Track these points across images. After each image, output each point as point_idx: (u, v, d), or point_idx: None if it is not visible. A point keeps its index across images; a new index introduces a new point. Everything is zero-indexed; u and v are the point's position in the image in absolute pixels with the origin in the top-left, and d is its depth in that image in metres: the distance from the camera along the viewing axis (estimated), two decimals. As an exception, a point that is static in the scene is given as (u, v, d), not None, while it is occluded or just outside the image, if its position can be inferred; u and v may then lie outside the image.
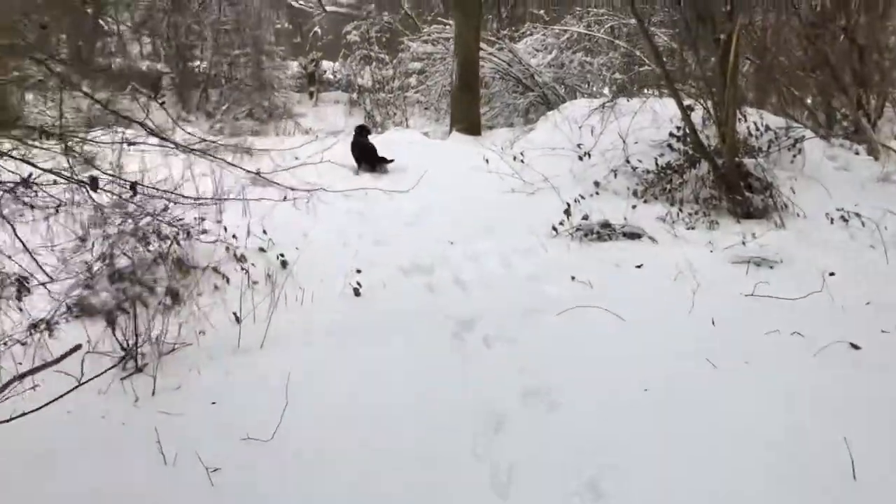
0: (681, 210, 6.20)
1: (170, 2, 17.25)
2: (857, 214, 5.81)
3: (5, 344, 3.53)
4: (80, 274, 3.98)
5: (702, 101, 7.02)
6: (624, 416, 2.93)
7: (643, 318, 3.93)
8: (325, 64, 21.13)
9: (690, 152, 6.85)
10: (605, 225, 5.67)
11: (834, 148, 7.81)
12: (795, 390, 3.11)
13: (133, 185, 3.22)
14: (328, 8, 19.55)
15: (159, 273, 4.52)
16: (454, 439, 2.78)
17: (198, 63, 18.58)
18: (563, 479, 2.56)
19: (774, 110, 9.02)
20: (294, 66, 20.89)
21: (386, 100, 16.21)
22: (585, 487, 2.51)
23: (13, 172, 3.47)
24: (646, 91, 9.79)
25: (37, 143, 3.13)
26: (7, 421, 2.44)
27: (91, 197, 3.49)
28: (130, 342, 3.58)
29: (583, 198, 6.33)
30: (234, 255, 4.59)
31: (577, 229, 5.68)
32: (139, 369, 3.47)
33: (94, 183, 3.00)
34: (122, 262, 4.66)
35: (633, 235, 5.63)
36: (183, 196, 3.98)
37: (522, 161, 7.44)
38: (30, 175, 3.05)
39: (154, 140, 3.93)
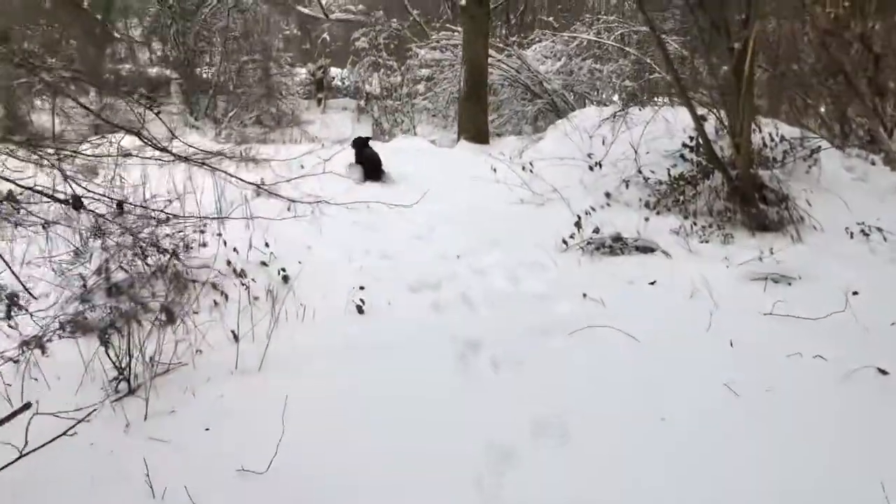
0: (695, 223, 6.02)
1: (178, 8, 17.23)
2: (879, 229, 5.63)
3: (-5, 362, 3.40)
4: (66, 290, 3.85)
5: (715, 111, 6.85)
6: (640, 451, 2.77)
7: (658, 338, 3.76)
8: (334, 70, 21.11)
9: (704, 163, 6.69)
10: (617, 238, 5.50)
11: (851, 158, 7.62)
12: (821, 423, 2.94)
13: (120, 204, 3.08)
14: (337, 15, 19.51)
15: (157, 287, 4.41)
16: (458, 476, 2.62)
17: (206, 69, 18.57)
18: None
19: (788, 120, 8.84)
20: (302, 73, 20.88)
21: (394, 107, 16.12)
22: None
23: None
24: (657, 99, 9.65)
25: (20, 156, 3.00)
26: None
27: (83, 213, 3.35)
28: (124, 362, 3.45)
29: (594, 209, 6.18)
30: (234, 270, 4.45)
31: (588, 243, 5.51)
32: (132, 391, 3.34)
33: (76, 202, 2.86)
34: (119, 276, 4.56)
35: (647, 249, 5.46)
36: (172, 215, 3.83)
37: (531, 171, 7.29)
38: (9, 193, 2.92)
39: (152, 151, 3.82)
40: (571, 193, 6.69)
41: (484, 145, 10.70)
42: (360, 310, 4.18)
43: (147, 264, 4.46)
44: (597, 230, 5.65)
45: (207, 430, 2.98)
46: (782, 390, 3.20)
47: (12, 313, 3.59)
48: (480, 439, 2.84)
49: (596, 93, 14.51)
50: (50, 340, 3.70)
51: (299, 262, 4.83)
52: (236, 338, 3.71)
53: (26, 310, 3.04)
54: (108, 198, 3.04)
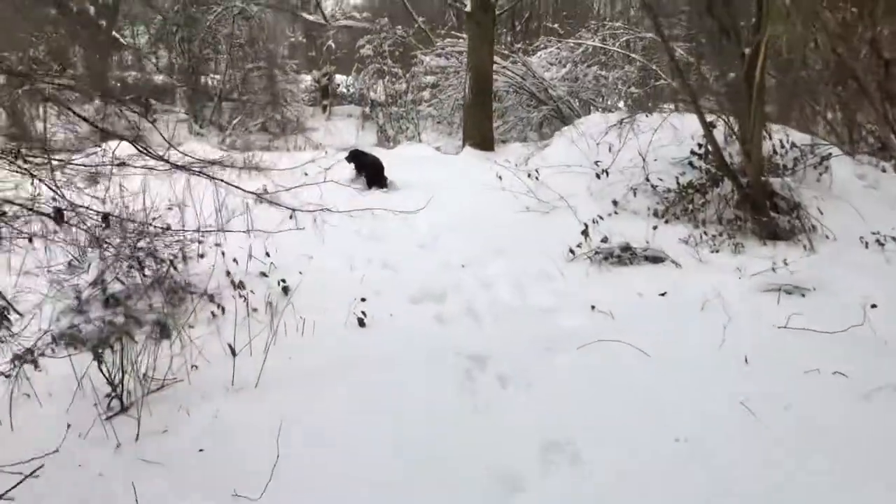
0: (705, 232, 5.89)
1: (183, 16, 17.23)
2: (894, 238, 5.48)
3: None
4: (60, 302, 3.73)
5: (724, 118, 6.73)
6: (655, 475, 2.63)
7: (670, 354, 3.63)
8: (339, 77, 21.07)
9: (713, 171, 6.56)
10: (626, 248, 5.37)
11: (862, 166, 7.48)
12: (843, 444, 2.80)
13: (105, 217, 2.97)
14: (342, 22, 19.47)
15: (155, 299, 4.29)
16: (463, 502, 2.48)
17: (211, 77, 18.56)
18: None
19: (798, 126, 8.71)
20: (308, 80, 20.85)
21: (398, 114, 16.05)
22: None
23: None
24: (663, 106, 9.53)
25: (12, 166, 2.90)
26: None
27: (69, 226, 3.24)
28: (117, 378, 3.33)
29: (601, 218, 6.05)
30: (233, 281, 4.33)
31: (596, 252, 5.38)
32: (124, 409, 3.22)
33: (59, 215, 2.75)
34: (117, 287, 4.44)
35: (656, 259, 5.32)
36: (163, 228, 3.72)
37: (537, 178, 7.17)
38: (-7, 205, 2.81)
39: (151, 160, 3.71)
40: (578, 201, 6.57)
41: (489, 152, 10.60)
42: (361, 323, 4.05)
43: (144, 275, 4.35)
44: (605, 239, 5.52)
45: (201, 451, 2.86)
46: (801, 408, 3.06)
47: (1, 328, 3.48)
48: (487, 462, 2.71)
49: (601, 99, 14.41)
50: (42, 355, 3.60)
51: (300, 273, 4.71)
52: (233, 352, 3.59)
53: (9, 329, 2.92)
54: (94, 210, 2.93)
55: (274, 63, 18.06)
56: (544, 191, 6.85)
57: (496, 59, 12.14)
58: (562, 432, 2.90)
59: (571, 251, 5.45)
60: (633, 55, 14.54)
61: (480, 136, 11.11)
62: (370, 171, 8.33)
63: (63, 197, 2.84)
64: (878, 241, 5.59)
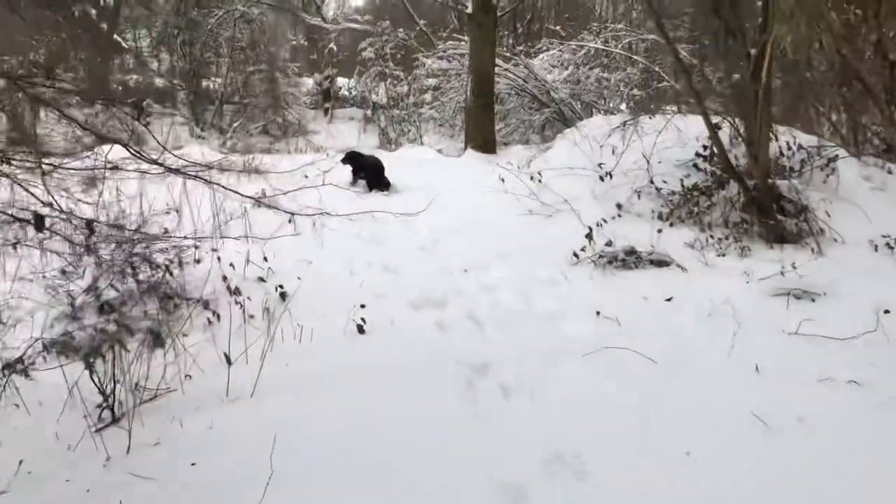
0: (711, 235, 5.78)
1: (185, 19, 17.18)
2: (905, 241, 5.38)
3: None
4: (53, 309, 3.64)
5: (730, 119, 6.63)
6: (663, 489, 2.52)
7: (678, 361, 3.53)
8: (341, 80, 21.01)
9: (718, 173, 6.46)
10: (631, 252, 5.26)
11: (868, 167, 7.37)
12: (859, 456, 2.70)
13: (89, 224, 2.87)
14: (344, 24, 19.40)
15: (150, 305, 4.20)
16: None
17: (213, 79, 18.49)
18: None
19: (802, 128, 8.61)
20: (309, 83, 20.79)
21: (400, 116, 15.98)
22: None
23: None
24: (666, 108, 9.43)
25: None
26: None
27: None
28: (109, 388, 3.24)
29: (605, 221, 5.95)
30: (229, 287, 4.23)
31: (600, 256, 5.28)
32: (116, 420, 3.12)
33: (39, 222, 2.65)
34: (111, 293, 4.35)
35: (661, 263, 5.22)
36: (153, 236, 3.62)
37: (540, 181, 7.07)
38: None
39: (146, 163, 3.62)
40: (581, 204, 6.47)
41: (491, 155, 10.53)
42: (360, 329, 3.95)
43: (139, 281, 4.26)
44: (609, 243, 5.42)
45: (194, 465, 2.75)
46: (815, 420, 2.96)
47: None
48: (489, 475, 2.60)
49: (603, 101, 14.33)
50: (33, 363, 3.51)
51: (298, 278, 4.62)
52: (228, 361, 3.49)
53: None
54: (77, 216, 2.83)
55: (275, 66, 17.99)
56: (547, 193, 6.76)
57: (498, 61, 12.07)
58: (566, 443, 2.79)
59: (575, 255, 5.35)
60: (635, 57, 14.46)
61: (482, 138, 11.03)
62: (370, 173, 8.25)
63: (44, 203, 2.74)
64: (887, 244, 5.49)
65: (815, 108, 9.36)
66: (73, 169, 3.02)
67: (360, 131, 17.08)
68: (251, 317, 4.09)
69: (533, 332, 4.00)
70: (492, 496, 2.48)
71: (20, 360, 3.48)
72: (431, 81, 15.24)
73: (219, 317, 3.93)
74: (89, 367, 3.26)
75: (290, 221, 4.90)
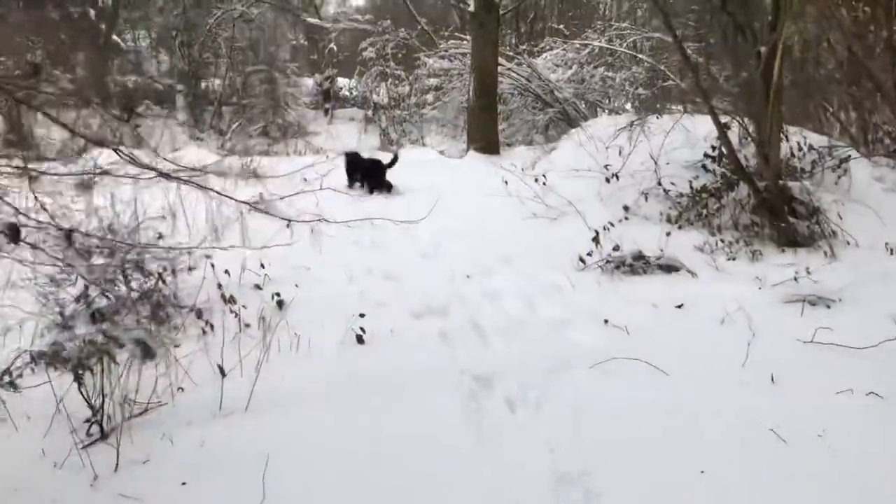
0: (721, 239, 5.63)
1: (183, 19, 17.08)
2: (921, 245, 5.23)
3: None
4: (44, 317, 3.52)
5: (739, 119, 6.48)
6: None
7: (690, 372, 3.38)
8: (341, 81, 20.87)
9: (728, 174, 6.31)
10: (639, 256, 5.12)
11: (879, 168, 7.21)
12: (885, 475, 2.55)
13: (68, 234, 2.73)
14: (344, 24, 19.26)
15: (143, 313, 4.07)
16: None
17: (212, 80, 18.38)
18: None
19: (814, 128, 8.46)
20: (310, 83, 20.66)
21: (402, 117, 15.85)
22: None
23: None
24: (672, 107, 9.30)
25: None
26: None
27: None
28: (98, 401, 3.11)
29: (612, 224, 5.79)
30: (223, 295, 4.09)
31: (608, 261, 5.14)
32: (104, 436, 2.99)
33: (13, 233, 2.51)
34: (103, 301, 4.23)
35: (670, 268, 5.08)
36: (131, 244, 3.48)
37: (544, 183, 6.92)
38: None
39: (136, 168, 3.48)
40: (587, 207, 6.33)
41: (494, 156, 10.39)
42: (359, 339, 3.80)
43: (131, 288, 4.13)
44: (616, 248, 5.27)
45: (184, 484, 2.62)
46: (836, 435, 2.81)
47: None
48: (493, 496, 2.47)
49: (608, 101, 14.19)
50: (20, 375, 3.38)
51: (296, 286, 4.49)
52: (222, 373, 3.36)
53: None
54: (54, 225, 2.70)
55: (275, 66, 17.87)
56: (552, 196, 6.62)
57: (501, 60, 11.93)
58: (575, 463, 2.65)
59: (581, 260, 5.21)
60: (640, 56, 14.31)
61: (485, 139, 10.90)
62: (370, 173, 8.15)
63: (20, 212, 2.61)
64: (903, 247, 5.34)
65: (824, 107, 9.21)
66: (59, 174, 2.88)
67: (360, 132, 16.95)
68: (247, 326, 3.96)
69: (538, 341, 3.86)
70: (497, 521, 2.34)
71: (7, 371, 3.35)
72: (433, 81, 15.11)
73: (212, 326, 3.80)
74: (78, 379, 3.14)
75: (287, 227, 4.77)
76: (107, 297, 4.05)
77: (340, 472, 2.63)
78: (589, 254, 5.25)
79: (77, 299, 3.97)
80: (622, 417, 2.99)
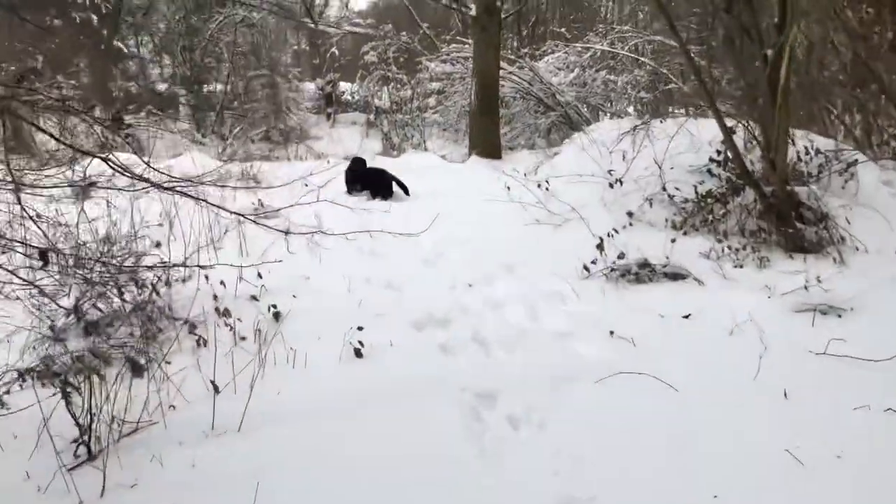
0: (729, 246, 5.51)
1: (185, 24, 17.03)
2: (934, 251, 5.10)
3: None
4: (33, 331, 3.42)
5: (744, 123, 6.36)
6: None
7: (699, 387, 3.27)
8: (343, 85, 20.80)
9: (733, 179, 6.19)
10: (644, 264, 5.00)
11: (888, 171, 7.09)
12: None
13: (43, 254, 2.62)
14: (346, 28, 19.20)
15: (137, 327, 3.97)
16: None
17: (214, 84, 18.32)
18: None
19: (818, 131, 8.34)
20: (312, 88, 20.61)
21: (404, 121, 15.76)
22: None
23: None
24: (673, 110, 9.18)
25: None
26: None
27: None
28: (86, 420, 3.00)
29: (616, 231, 5.67)
30: (217, 308, 3.98)
31: (612, 269, 5.02)
32: (92, 457, 2.88)
33: None
34: (95, 314, 4.13)
35: (676, 276, 4.96)
36: (113, 264, 3.38)
37: (547, 189, 6.81)
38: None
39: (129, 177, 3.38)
40: (591, 213, 6.22)
41: (496, 160, 10.28)
42: (358, 353, 3.69)
43: (124, 301, 4.03)
44: (621, 255, 5.16)
45: (172, 509, 2.52)
46: (855, 456, 2.69)
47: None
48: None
49: (610, 104, 14.08)
50: (7, 392, 3.28)
51: (294, 296, 4.38)
52: (216, 389, 3.25)
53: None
54: (27, 244, 2.59)
55: (277, 71, 17.81)
56: (555, 202, 6.51)
57: (503, 64, 11.83)
58: (581, 486, 2.53)
59: (586, 268, 5.09)
60: (642, 59, 14.20)
61: (487, 143, 10.79)
62: (372, 180, 8.07)
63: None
64: (916, 254, 5.22)
65: (828, 109, 9.09)
66: (44, 187, 2.79)
67: (362, 136, 16.87)
68: (242, 339, 3.85)
69: (542, 353, 3.74)
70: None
71: (-7, 387, 3.26)
72: (435, 85, 15.01)
73: (205, 342, 3.69)
74: (66, 397, 3.04)
75: (288, 234, 4.67)
76: (99, 309, 3.96)
77: (337, 493, 2.52)
78: (593, 261, 5.14)
79: (68, 313, 3.88)
80: (629, 438, 2.87)
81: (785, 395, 3.20)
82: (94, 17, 17.15)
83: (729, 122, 6.23)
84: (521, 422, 3.01)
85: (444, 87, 14.64)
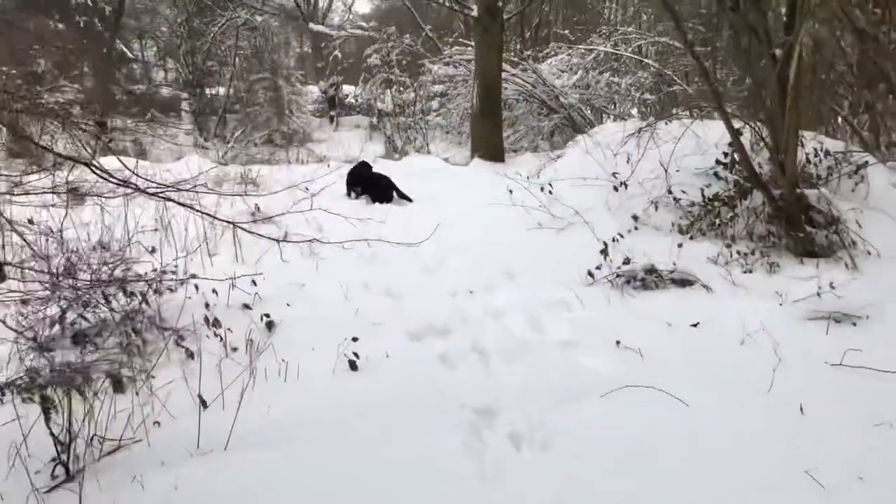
0: (737, 251, 5.35)
1: (187, 27, 16.97)
2: (950, 256, 4.93)
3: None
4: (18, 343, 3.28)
5: (752, 124, 6.20)
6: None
7: (711, 402, 3.10)
8: (346, 88, 20.72)
9: (741, 182, 6.03)
10: (651, 270, 4.85)
11: (896, 174, 6.91)
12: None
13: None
14: (349, 30, 19.08)
15: (124, 336, 3.84)
16: None
17: (216, 88, 18.26)
18: None
19: (827, 132, 8.18)
20: (315, 91, 20.54)
21: (406, 124, 15.65)
22: None
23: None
24: (678, 112, 9.01)
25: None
26: None
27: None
28: (66, 438, 2.86)
29: (621, 236, 5.52)
30: (206, 318, 3.84)
31: (618, 275, 4.87)
32: (70, 478, 2.74)
33: None
34: (84, 323, 4.00)
35: (684, 282, 4.80)
36: (95, 281, 3.24)
37: (550, 192, 6.66)
38: None
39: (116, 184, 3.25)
40: (595, 216, 6.07)
41: (499, 163, 10.15)
42: (353, 366, 3.53)
43: (112, 309, 3.90)
44: (627, 261, 5.00)
45: (151, 535, 2.37)
46: (879, 479, 2.53)
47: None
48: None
49: (614, 106, 13.94)
50: (-14, 407, 3.15)
51: (288, 305, 4.24)
52: (204, 404, 3.11)
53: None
54: None
55: (279, 74, 17.74)
56: (558, 205, 6.36)
57: (505, 66, 11.70)
58: (587, 510, 2.38)
59: (590, 274, 4.94)
60: (646, 60, 14.06)
61: (490, 146, 10.67)
62: (373, 184, 7.95)
63: None
64: (931, 259, 5.05)
65: (835, 110, 8.93)
66: (25, 193, 2.66)
67: (365, 139, 16.77)
68: (234, 349, 3.71)
69: (545, 366, 3.57)
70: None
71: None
72: (438, 88, 14.90)
73: (192, 355, 3.54)
74: (45, 413, 2.90)
75: (285, 238, 4.54)
76: (85, 319, 3.83)
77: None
78: (598, 267, 4.99)
79: (52, 324, 3.75)
80: (639, 456, 2.71)
81: (801, 409, 3.04)
82: (97, 21, 17.10)
83: (736, 124, 6.08)
84: (522, 441, 2.84)
85: (447, 89, 14.54)
